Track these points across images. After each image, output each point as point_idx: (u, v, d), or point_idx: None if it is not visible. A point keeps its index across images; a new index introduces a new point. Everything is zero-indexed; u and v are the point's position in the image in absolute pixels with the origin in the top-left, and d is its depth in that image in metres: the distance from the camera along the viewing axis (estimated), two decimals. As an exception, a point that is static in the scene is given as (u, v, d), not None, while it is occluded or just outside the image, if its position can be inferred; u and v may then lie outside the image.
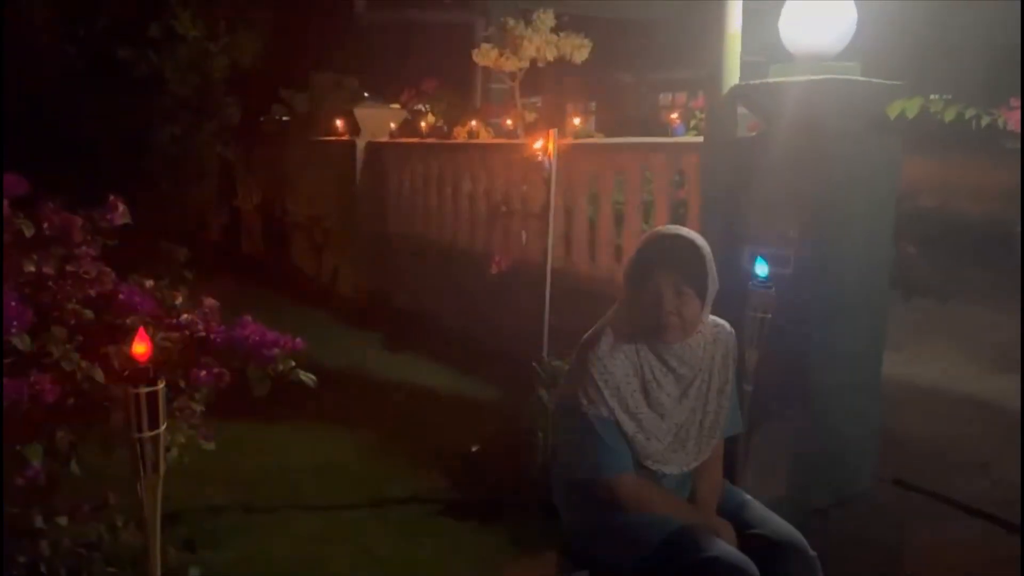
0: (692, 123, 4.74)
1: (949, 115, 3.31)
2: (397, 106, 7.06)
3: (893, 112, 3.22)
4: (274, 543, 3.02)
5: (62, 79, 6.93)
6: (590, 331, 2.12)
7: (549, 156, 3.22)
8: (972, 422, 4.26)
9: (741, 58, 3.42)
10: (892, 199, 3.40)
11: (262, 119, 8.69)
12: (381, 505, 3.29)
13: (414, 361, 5.27)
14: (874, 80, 3.13)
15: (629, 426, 2.04)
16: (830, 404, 3.25)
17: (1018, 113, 3.43)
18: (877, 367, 3.48)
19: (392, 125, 6.90)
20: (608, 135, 6.28)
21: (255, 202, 8.75)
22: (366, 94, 6.87)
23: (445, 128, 6.81)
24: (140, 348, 1.54)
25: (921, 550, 3.05)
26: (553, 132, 3.26)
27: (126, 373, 1.57)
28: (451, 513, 3.20)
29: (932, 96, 3.25)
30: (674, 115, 4.95)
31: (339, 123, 7.17)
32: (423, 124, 6.69)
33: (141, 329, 1.58)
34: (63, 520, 2.30)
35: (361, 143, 6.82)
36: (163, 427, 1.58)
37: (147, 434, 1.55)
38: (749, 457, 2.64)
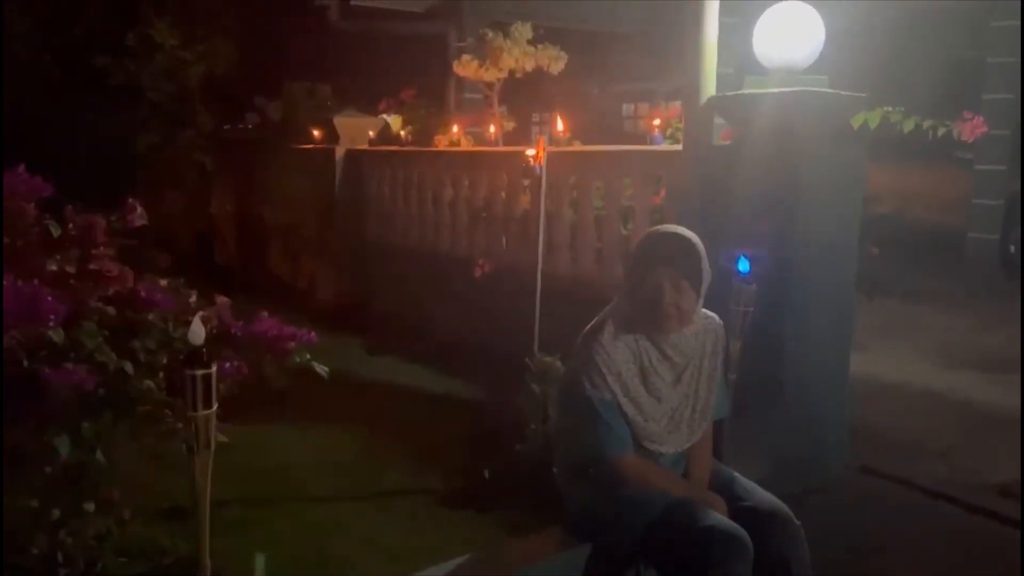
0: (668, 132, 4.96)
1: (908, 126, 3.55)
2: (386, 116, 7.18)
3: (857, 123, 3.46)
4: (281, 533, 3.13)
5: (38, 87, 6.94)
6: (593, 321, 2.30)
7: (539, 162, 3.39)
8: (930, 415, 4.52)
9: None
10: (858, 203, 3.64)
11: (226, 127, 8.74)
12: (380, 497, 3.42)
13: (398, 364, 5.39)
14: (841, 92, 3.36)
15: (629, 409, 2.22)
16: (802, 395, 3.47)
17: (970, 125, 3.69)
18: (845, 360, 3.72)
19: (371, 133, 7.02)
20: (581, 144, 6.48)
21: (229, 209, 8.79)
22: (353, 108, 6.97)
23: (408, 137, 6.96)
24: (196, 334, 1.66)
25: (888, 531, 3.27)
26: (543, 139, 3.44)
27: (183, 356, 1.70)
28: (448, 503, 3.34)
29: (886, 108, 3.49)
30: (656, 122, 5.16)
31: (317, 131, 7.27)
32: (403, 133, 6.83)
33: (198, 316, 1.71)
34: (90, 507, 2.39)
35: (340, 151, 6.93)
36: (215, 407, 1.71)
37: (201, 413, 1.67)
38: (734, 439, 2.83)
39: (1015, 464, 3.77)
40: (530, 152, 3.38)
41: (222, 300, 2.73)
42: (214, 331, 2.66)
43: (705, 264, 2.19)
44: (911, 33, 9.49)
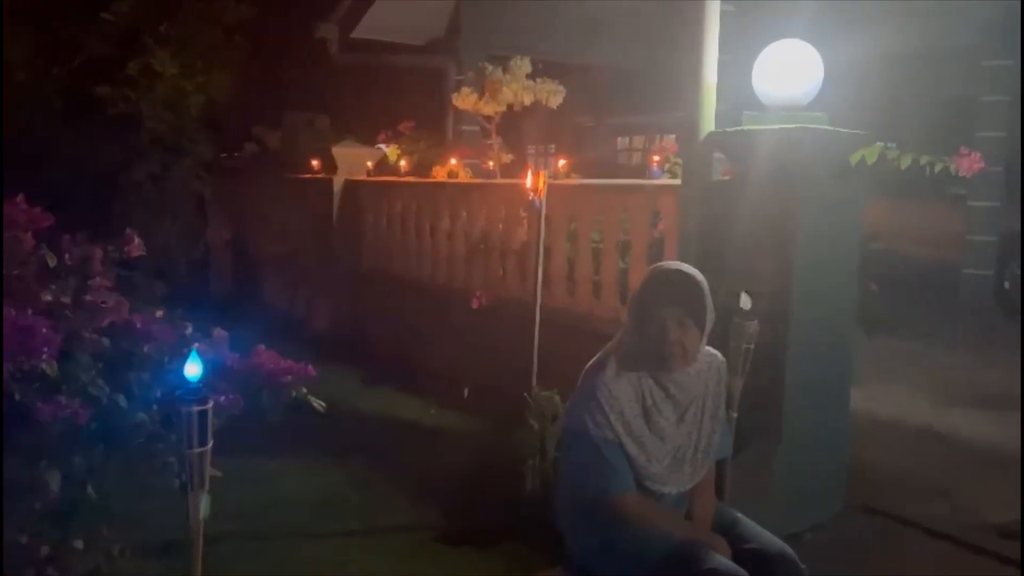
0: (666, 166, 4.99)
1: (905, 162, 3.57)
2: (382, 146, 7.22)
3: (854, 159, 3.48)
4: (276, 569, 3.08)
5: (39, 116, 6.95)
6: (594, 359, 2.27)
7: (539, 195, 3.39)
8: (929, 452, 4.49)
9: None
10: (856, 239, 3.65)
11: (223, 155, 8.77)
12: (377, 533, 3.36)
13: (395, 395, 5.34)
14: (840, 129, 3.38)
15: (632, 448, 2.18)
16: (802, 432, 3.44)
17: (968, 160, 3.71)
18: (845, 397, 3.70)
19: (369, 164, 7.05)
20: (578, 177, 6.51)
21: (226, 238, 8.78)
22: (352, 139, 7.02)
23: (407, 168, 6.99)
24: (193, 369, 1.64)
25: (890, 571, 3.23)
26: (543, 172, 3.45)
27: (178, 392, 1.67)
28: (446, 540, 3.28)
29: (878, 143, 3.52)
30: (656, 158, 5.20)
31: (315, 161, 7.29)
32: (401, 164, 6.86)
33: (194, 351, 1.69)
34: (79, 543, 2.33)
35: (339, 181, 6.94)
36: (211, 444, 1.68)
37: (197, 450, 1.64)
38: (733, 478, 2.80)
39: (1014, 504, 3.75)
40: (529, 185, 3.39)
41: (219, 333, 2.70)
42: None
43: (709, 302, 2.17)
44: (905, 72, 9.62)
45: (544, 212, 3.53)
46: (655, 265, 2.33)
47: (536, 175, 3.42)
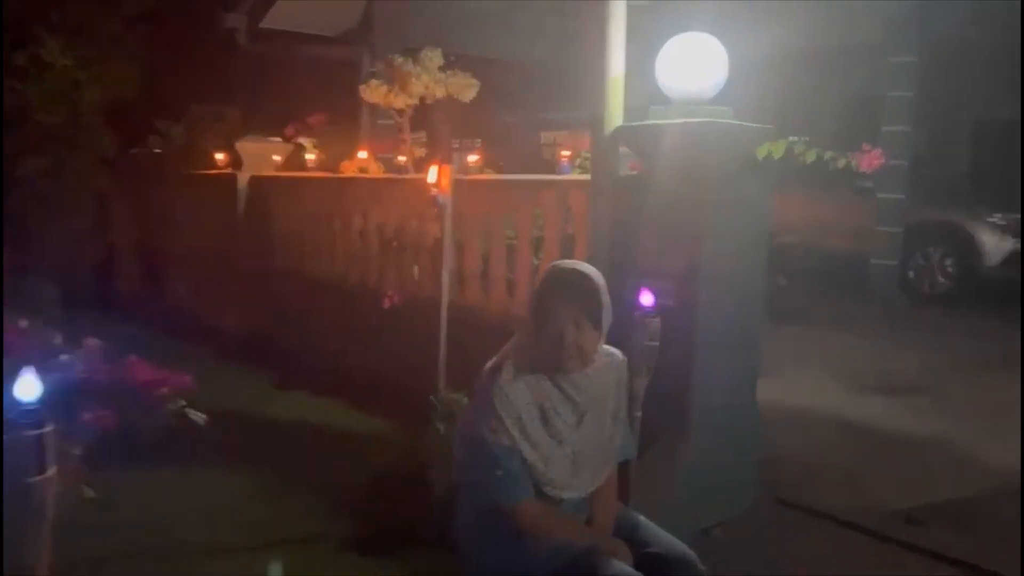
0: (577, 161, 4.94)
1: (810, 156, 3.59)
2: (278, 139, 6.95)
3: (761, 153, 3.47)
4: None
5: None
6: (491, 362, 2.17)
7: (443, 191, 3.28)
8: (841, 441, 4.57)
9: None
10: (764, 233, 3.65)
11: (133, 151, 8.36)
12: (279, 546, 3.18)
13: (304, 398, 5.15)
14: (745, 123, 3.37)
15: (530, 454, 2.10)
16: (710, 428, 3.43)
17: (868, 156, 3.76)
18: (753, 391, 3.71)
19: (276, 159, 6.79)
20: (495, 172, 6.42)
21: (131, 238, 8.36)
22: (259, 133, 6.74)
23: (316, 162, 6.78)
24: (27, 389, 1.46)
25: (801, 563, 3.24)
26: (448, 167, 3.33)
27: (10, 416, 1.49)
28: (352, 549, 3.14)
29: (792, 138, 3.53)
30: (565, 153, 5.13)
31: (220, 156, 6.99)
32: (309, 159, 6.63)
33: (27, 369, 1.51)
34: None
35: (243, 177, 6.67)
36: (51, 471, 1.51)
37: (33, 479, 1.47)
38: (642, 476, 2.75)
39: (921, 489, 3.84)
40: (432, 180, 3.27)
41: (91, 342, 2.51)
42: (81, 375, 2.44)
43: (606, 301, 2.10)
44: (813, 68, 9.85)
45: (450, 209, 3.41)
46: (551, 264, 2.24)
47: (440, 170, 3.30)
